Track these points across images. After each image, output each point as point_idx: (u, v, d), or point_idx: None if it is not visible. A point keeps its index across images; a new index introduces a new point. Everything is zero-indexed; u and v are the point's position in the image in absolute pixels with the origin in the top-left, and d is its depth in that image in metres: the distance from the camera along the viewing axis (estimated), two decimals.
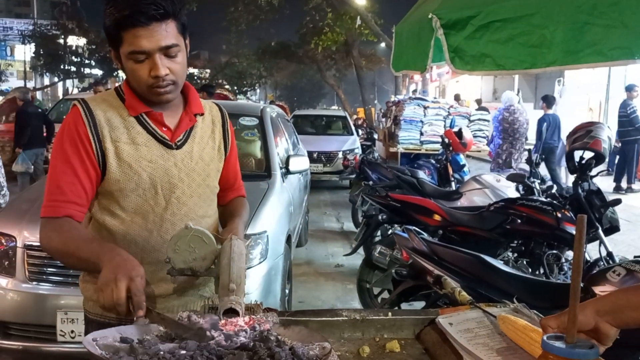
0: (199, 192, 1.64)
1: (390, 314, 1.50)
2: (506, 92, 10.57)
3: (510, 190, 5.13)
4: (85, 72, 33.20)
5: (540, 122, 8.82)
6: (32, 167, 8.62)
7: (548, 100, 8.88)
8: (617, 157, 10.60)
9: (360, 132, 15.41)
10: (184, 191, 1.60)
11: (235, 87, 32.01)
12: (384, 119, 12.33)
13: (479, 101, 18.17)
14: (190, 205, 1.62)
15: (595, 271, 2.87)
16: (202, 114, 1.68)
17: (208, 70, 37.93)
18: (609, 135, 3.80)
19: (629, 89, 10.30)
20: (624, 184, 10.36)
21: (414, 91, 18.87)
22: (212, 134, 1.70)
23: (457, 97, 16.24)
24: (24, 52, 34.64)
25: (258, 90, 41.02)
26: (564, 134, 8.49)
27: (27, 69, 34.80)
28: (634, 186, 10.34)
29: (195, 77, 35.30)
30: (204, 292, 1.69)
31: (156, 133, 1.57)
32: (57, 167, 1.52)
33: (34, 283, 3.18)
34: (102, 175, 1.54)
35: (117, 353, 1.06)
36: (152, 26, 1.43)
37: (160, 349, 1.07)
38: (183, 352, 1.05)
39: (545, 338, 1.00)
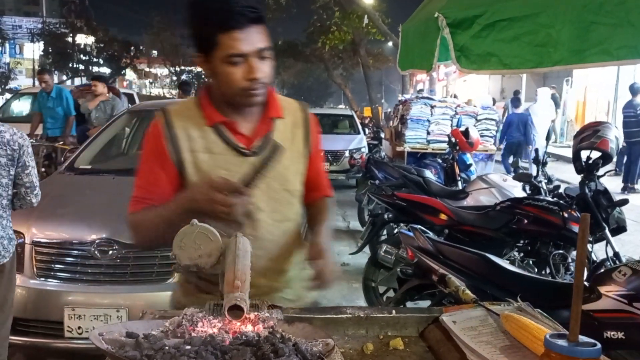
0: (277, 197, 1.63)
1: (394, 311, 1.51)
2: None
3: (517, 190, 5.12)
4: (93, 70, 33.38)
5: (507, 119, 11.36)
6: None
7: (514, 102, 11.70)
8: (625, 157, 10.56)
9: (367, 131, 15.40)
10: (260, 197, 1.59)
11: None
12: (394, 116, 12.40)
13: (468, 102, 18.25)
14: (268, 211, 1.61)
15: (601, 271, 2.86)
16: (282, 118, 1.65)
17: None
18: (616, 135, 3.78)
19: (636, 90, 10.20)
20: (636, 185, 10.32)
21: (420, 90, 18.80)
22: (292, 137, 1.66)
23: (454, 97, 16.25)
24: (33, 50, 34.90)
25: None
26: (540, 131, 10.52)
27: (36, 67, 35.01)
28: (637, 186, 10.29)
29: (203, 76, 35.39)
30: (285, 294, 1.70)
31: (231, 141, 1.59)
32: (140, 175, 1.62)
33: (42, 279, 3.21)
34: (184, 184, 1.60)
35: (122, 347, 1.07)
36: (249, 29, 1.45)
37: (165, 344, 1.08)
38: (188, 347, 1.06)
39: (548, 336, 1.01)
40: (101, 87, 8.23)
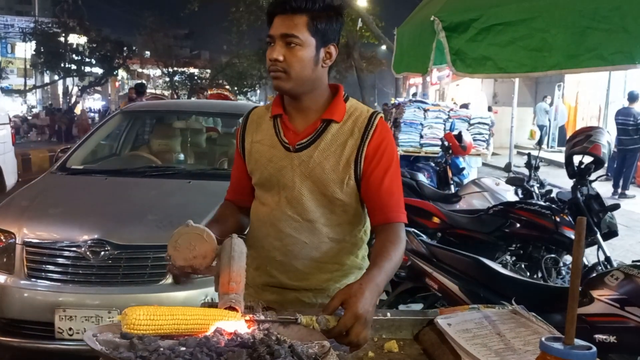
0: (313, 197, 1.62)
1: (389, 314, 1.51)
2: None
3: (509, 194, 5.14)
4: (85, 70, 33.19)
5: None
6: None
7: None
8: (615, 163, 10.58)
9: None
10: (293, 194, 1.62)
11: (236, 88, 32.02)
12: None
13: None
14: (299, 209, 1.62)
15: (593, 275, 2.88)
16: (338, 121, 1.61)
17: (209, 71, 37.92)
18: (608, 140, 3.81)
19: (635, 97, 10.17)
20: (627, 191, 10.38)
21: (414, 94, 18.83)
22: (343, 143, 1.60)
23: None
24: (25, 49, 34.66)
25: (258, 91, 41.00)
26: None
27: (28, 66, 34.81)
28: (627, 192, 10.36)
29: (196, 77, 35.29)
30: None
31: (279, 135, 1.64)
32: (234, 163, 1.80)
33: (33, 280, 3.18)
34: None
35: (117, 349, 1.06)
36: (283, 16, 1.54)
37: (160, 345, 1.07)
38: (183, 348, 1.06)
39: (543, 339, 1.01)
40: None
